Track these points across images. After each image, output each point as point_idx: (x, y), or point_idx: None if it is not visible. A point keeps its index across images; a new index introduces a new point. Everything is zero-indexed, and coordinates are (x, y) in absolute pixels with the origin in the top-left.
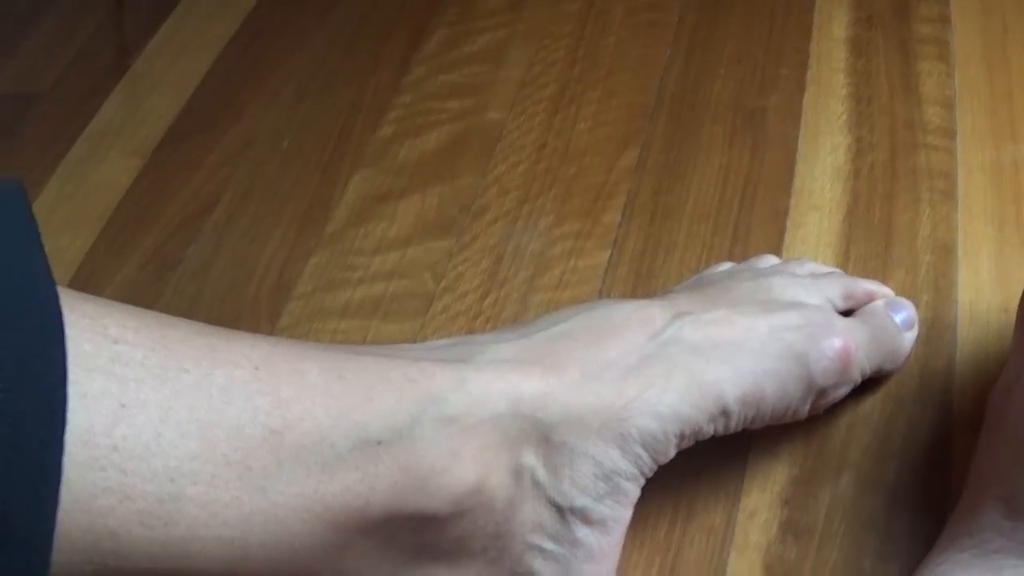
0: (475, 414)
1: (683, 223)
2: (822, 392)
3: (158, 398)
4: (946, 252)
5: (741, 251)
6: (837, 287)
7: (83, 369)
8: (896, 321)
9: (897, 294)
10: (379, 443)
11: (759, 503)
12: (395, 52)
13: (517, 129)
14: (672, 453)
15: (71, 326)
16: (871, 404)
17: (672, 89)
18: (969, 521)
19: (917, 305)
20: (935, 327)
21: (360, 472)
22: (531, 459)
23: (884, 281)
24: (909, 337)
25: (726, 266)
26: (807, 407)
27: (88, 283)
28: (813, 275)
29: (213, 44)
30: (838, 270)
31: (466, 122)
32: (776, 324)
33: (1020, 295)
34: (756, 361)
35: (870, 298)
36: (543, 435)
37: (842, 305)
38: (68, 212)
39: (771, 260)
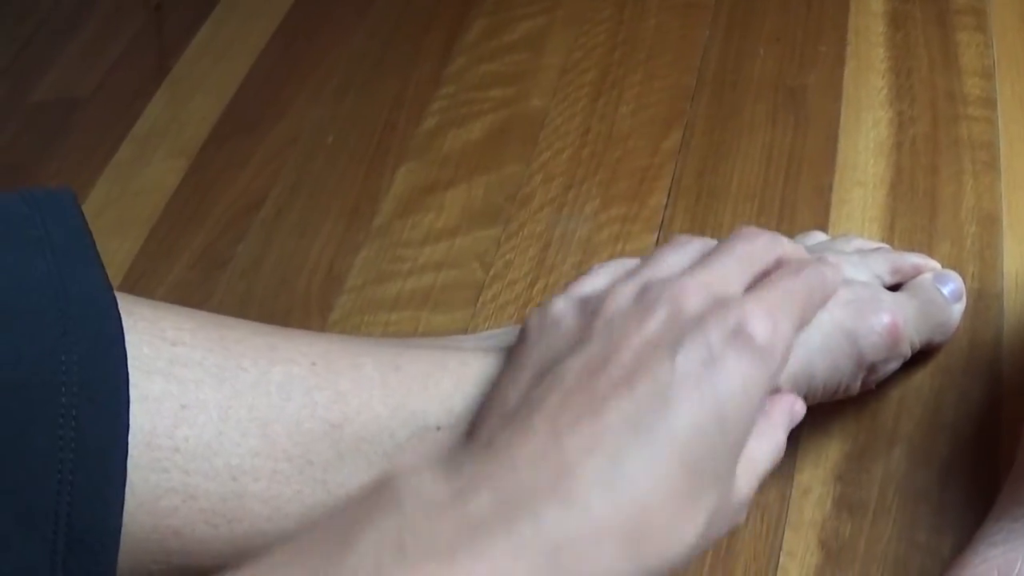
0: None
1: (728, 203)
2: (872, 367)
3: (218, 398)
4: (991, 223)
5: (787, 229)
6: (884, 262)
7: (143, 372)
8: (944, 293)
9: (943, 266)
10: (438, 428)
11: (813, 479)
12: (435, 43)
13: (560, 115)
14: None
15: (129, 330)
16: (921, 377)
17: (713, 70)
18: (1021, 490)
19: (963, 277)
20: (982, 298)
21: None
22: None
23: (930, 254)
24: (957, 309)
25: None
26: (858, 383)
27: (139, 285)
28: (860, 251)
29: (253, 43)
30: (885, 245)
31: (509, 110)
32: None
33: None
34: (806, 339)
35: (917, 272)
36: None
37: (889, 280)
38: (116, 215)
39: (819, 237)
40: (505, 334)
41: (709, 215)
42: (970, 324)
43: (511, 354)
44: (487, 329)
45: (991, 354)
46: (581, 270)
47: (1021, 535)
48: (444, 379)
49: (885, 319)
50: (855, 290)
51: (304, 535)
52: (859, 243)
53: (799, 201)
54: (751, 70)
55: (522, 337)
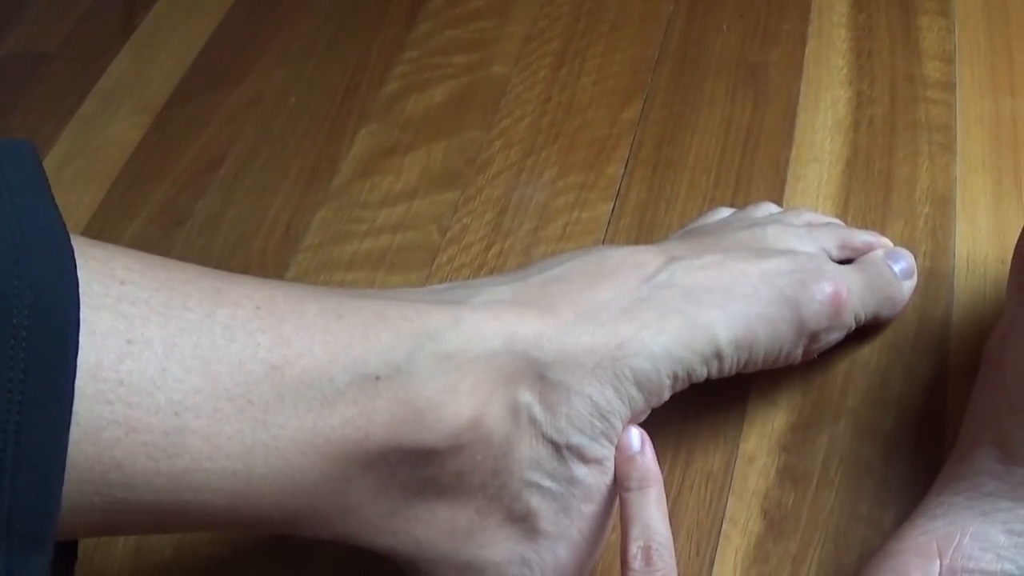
0: (471, 350)
1: (685, 175)
2: (814, 336)
3: (163, 335)
4: (944, 203)
5: (742, 202)
6: (832, 236)
7: (91, 308)
8: (895, 270)
9: (896, 244)
10: (377, 378)
11: (757, 449)
12: (401, 8)
13: (522, 84)
14: (666, 395)
15: (80, 268)
16: (869, 352)
17: (675, 44)
18: (963, 465)
19: (915, 255)
20: (933, 277)
21: (358, 407)
22: (527, 396)
23: (883, 232)
24: (908, 286)
25: (724, 213)
26: (800, 351)
27: (98, 239)
28: (809, 225)
29: (219, 2)
30: (836, 220)
31: (471, 77)
32: (767, 269)
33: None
34: (748, 305)
35: (868, 248)
36: (539, 373)
37: (837, 255)
38: (77, 169)
39: (769, 208)
40: (450, 288)
41: (665, 186)
42: (920, 302)
43: None
44: None
45: (940, 333)
46: (537, 236)
47: (962, 509)
48: (384, 331)
49: (827, 288)
50: (798, 260)
51: None
52: (809, 216)
53: (755, 175)
54: (713, 45)
55: None
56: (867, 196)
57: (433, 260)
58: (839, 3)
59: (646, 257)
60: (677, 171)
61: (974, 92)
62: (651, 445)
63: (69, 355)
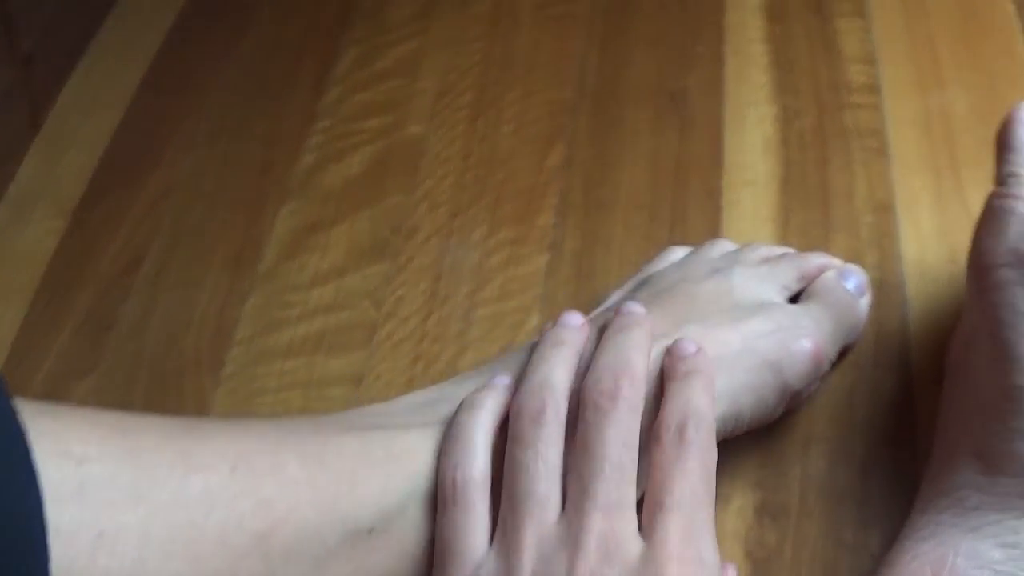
0: None
1: (619, 215)
2: (796, 394)
3: (135, 520)
4: (885, 210)
5: (680, 236)
6: (790, 270)
7: (54, 501)
8: (849, 290)
9: (842, 259)
10: (370, 531)
11: (731, 490)
12: (308, 76)
13: (440, 141)
14: None
15: (36, 451)
16: (831, 375)
17: (591, 80)
18: (944, 480)
19: (863, 267)
20: (884, 287)
21: (353, 564)
22: None
23: (827, 248)
24: (864, 303)
25: (678, 253)
26: (782, 409)
27: (26, 359)
28: (767, 260)
29: (124, 92)
30: (788, 250)
31: (388, 140)
32: (747, 334)
33: (966, 245)
34: (732, 377)
35: (821, 272)
36: None
37: (797, 287)
38: None
39: (725, 246)
40: (432, 402)
41: (600, 230)
42: (875, 315)
43: None
44: (383, 369)
45: (899, 344)
46: (475, 299)
47: (948, 527)
48: (373, 476)
49: (807, 346)
50: (774, 317)
51: None
52: (764, 251)
53: (689, 206)
54: (629, 77)
55: None
56: (806, 213)
57: (372, 338)
58: (753, 17)
59: None
60: (610, 212)
61: (900, 91)
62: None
63: (40, 565)
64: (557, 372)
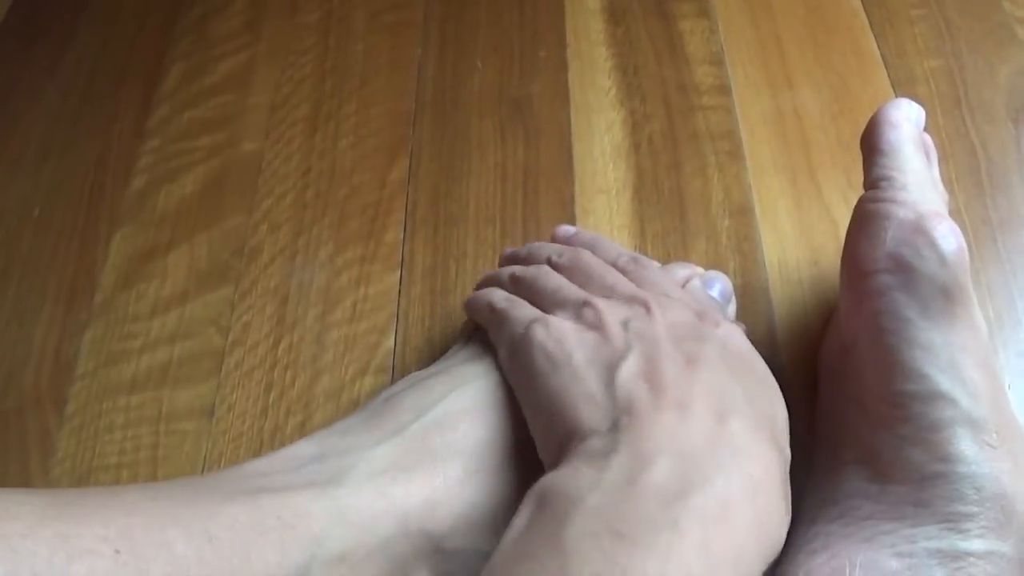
0: (364, 545)
1: (469, 229)
2: None
3: None
4: (743, 213)
5: None
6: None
7: None
8: (715, 298)
9: (704, 266)
10: None
11: None
12: (134, 94)
13: (276, 157)
14: None
15: None
16: None
17: (431, 90)
18: (830, 489)
19: (726, 272)
20: (748, 292)
21: None
22: (424, 574)
23: (687, 254)
24: (731, 310)
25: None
26: None
27: None
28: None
29: None
30: (652, 263)
31: (221, 158)
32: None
33: (827, 246)
34: None
35: (687, 282)
36: (435, 547)
37: None
38: None
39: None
40: (319, 457)
41: (451, 244)
42: (742, 321)
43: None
44: (235, 399)
45: (767, 350)
46: (326, 321)
47: (841, 538)
48: (266, 547)
49: None
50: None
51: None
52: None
53: (542, 217)
54: (471, 85)
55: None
56: (663, 220)
57: (220, 367)
58: (594, 20)
59: None
60: (460, 226)
61: (751, 92)
62: None
63: None
64: None
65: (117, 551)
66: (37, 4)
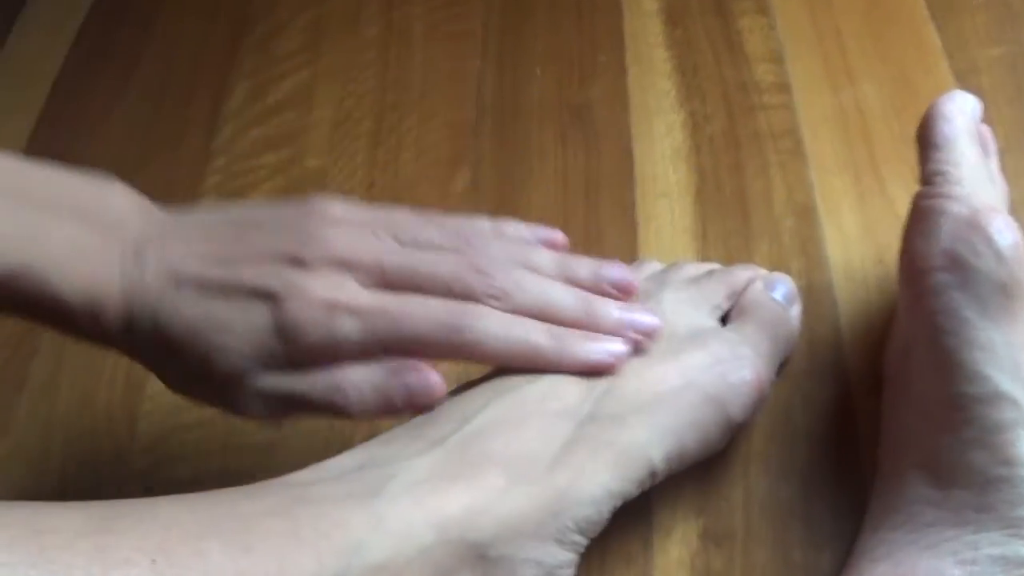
0: (402, 554)
1: None
2: (739, 426)
3: None
4: (807, 213)
5: (597, 255)
6: (720, 287)
7: None
8: (779, 301)
9: (767, 268)
10: None
11: (672, 519)
12: (200, 115)
13: (340, 172)
14: (605, 524)
15: None
16: None
17: (490, 99)
18: (894, 496)
19: (789, 274)
20: (812, 293)
21: None
22: None
23: (750, 256)
24: (795, 313)
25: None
26: (725, 443)
27: None
28: (694, 280)
29: (14, 141)
30: (714, 266)
31: (286, 175)
32: (686, 368)
33: (892, 244)
34: (675, 415)
35: (749, 285)
36: (479, 554)
37: (727, 306)
38: None
39: (652, 267)
40: (358, 469)
41: None
42: (806, 323)
43: None
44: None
45: (833, 351)
46: None
47: (904, 545)
48: (303, 556)
49: (748, 376)
50: (712, 350)
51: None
52: (691, 270)
53: (604, 224)
54: (530, 93)
55: None
56: (724, 222)
57: None
58: (652, 22)
59: (566, 389)
60: None
61: (811, 88)
62: None
63: None
64: None
65: (153, 561)
66: (104, 27)
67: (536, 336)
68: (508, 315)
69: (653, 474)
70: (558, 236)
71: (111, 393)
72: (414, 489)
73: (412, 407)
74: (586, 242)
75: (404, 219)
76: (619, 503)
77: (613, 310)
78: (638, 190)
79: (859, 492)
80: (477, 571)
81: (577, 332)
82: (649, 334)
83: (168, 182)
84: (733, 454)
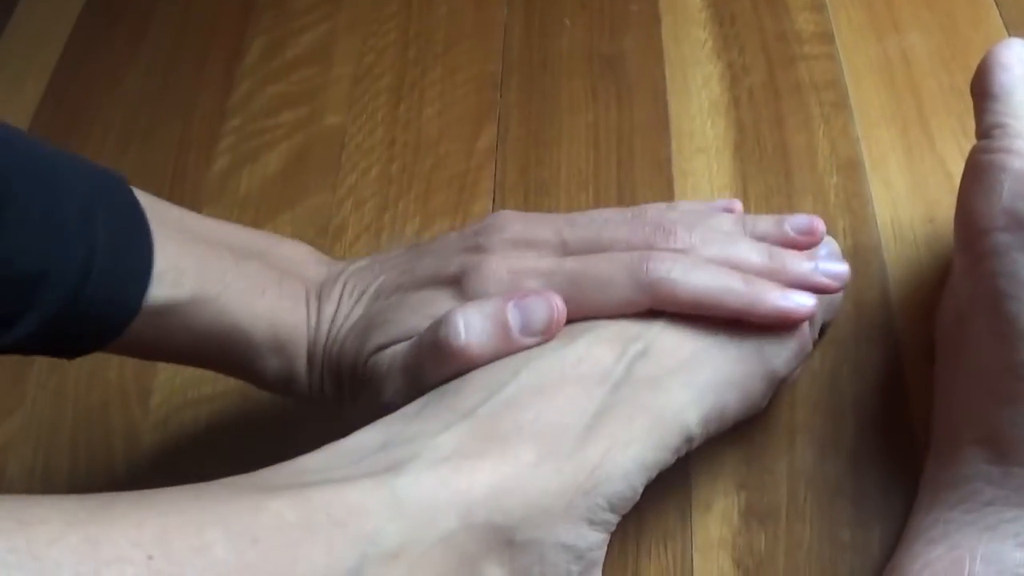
0: (422, 540)
1: (561, 196)
2: (781, 381)
3: None
4: (852, 168)
5: None
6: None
7: None
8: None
9: None
10: None
11: (712, 493)
12: (215, 72)
13: (360, 130)
14: (637, 499)
15: None
16: (810, 356)
17: (517, 51)
18: (950, 472)
19: (834, 233)
20: (859, 253)
21: None
22: (495, 571)
23: (792, 214)
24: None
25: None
26: (767, 400)
27: None
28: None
29: (26, 104)
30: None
31: (304, 133)
32: (724, 320)
33: (943, 201)
34: (715, 370)
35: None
36: (506, 539)
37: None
38: None
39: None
40: (383, 445)
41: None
42: (853, 286)
43: None
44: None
45: (881, 315)
46: None
47: (961, 526)
48: (314, 549)
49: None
50: None
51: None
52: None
53: (638, 181)
54: (560, 44)
55: None
56: (766, 179)
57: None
58: None
59: (601, 351)
60: (551, 194)
61: (855, 37)
62: None
63: None
64: None
65: (150, 556)
66: None
67: (729, 278)
68: (697, 260)
69: (690, 439)
70: (736, 204)
71: (123, 366)
72: (438, 468)
73: (530, 332)
74: (619, 202)
75: (576, 213)
76: (654, 474)
77: (802, 259)
78: (673, 145)
79: (911, 469)
80: (504, 558)
81: (768, 282)
82: (841, 278)
83: (182, 144)
84: (777, 424)
